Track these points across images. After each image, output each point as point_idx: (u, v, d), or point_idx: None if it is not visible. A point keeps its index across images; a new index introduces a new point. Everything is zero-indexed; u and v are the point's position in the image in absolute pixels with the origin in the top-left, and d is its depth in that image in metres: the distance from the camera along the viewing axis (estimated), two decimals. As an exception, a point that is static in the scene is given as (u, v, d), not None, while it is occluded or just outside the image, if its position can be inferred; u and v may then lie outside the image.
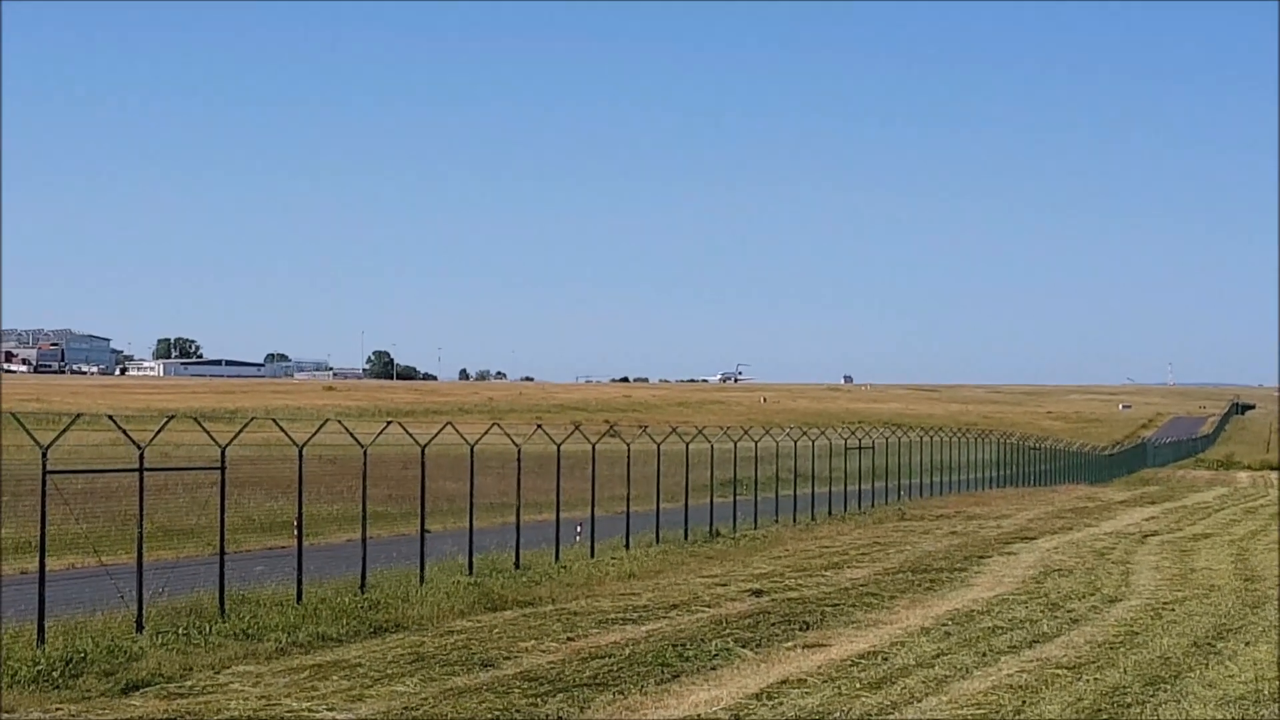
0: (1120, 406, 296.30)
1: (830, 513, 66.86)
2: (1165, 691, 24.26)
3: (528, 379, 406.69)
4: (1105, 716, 22.31)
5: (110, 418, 35.08)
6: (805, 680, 25.06)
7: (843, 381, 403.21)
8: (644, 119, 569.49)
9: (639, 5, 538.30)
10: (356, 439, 37.47)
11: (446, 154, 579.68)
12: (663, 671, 26.12)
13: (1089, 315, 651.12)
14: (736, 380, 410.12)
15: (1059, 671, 26.05)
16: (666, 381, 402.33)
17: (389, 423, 41.51)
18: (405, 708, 22.67)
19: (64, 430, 29.13)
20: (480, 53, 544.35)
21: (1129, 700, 23.49)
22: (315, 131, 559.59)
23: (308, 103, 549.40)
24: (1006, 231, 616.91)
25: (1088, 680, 25.23)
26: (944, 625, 31.85)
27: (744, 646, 28.87)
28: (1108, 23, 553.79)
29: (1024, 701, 23.26)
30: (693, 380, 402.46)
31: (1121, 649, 28.67)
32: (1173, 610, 34.58)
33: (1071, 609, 34.86)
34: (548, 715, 22.28)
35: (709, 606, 34.92)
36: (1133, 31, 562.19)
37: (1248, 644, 29.38)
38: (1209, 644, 29.39)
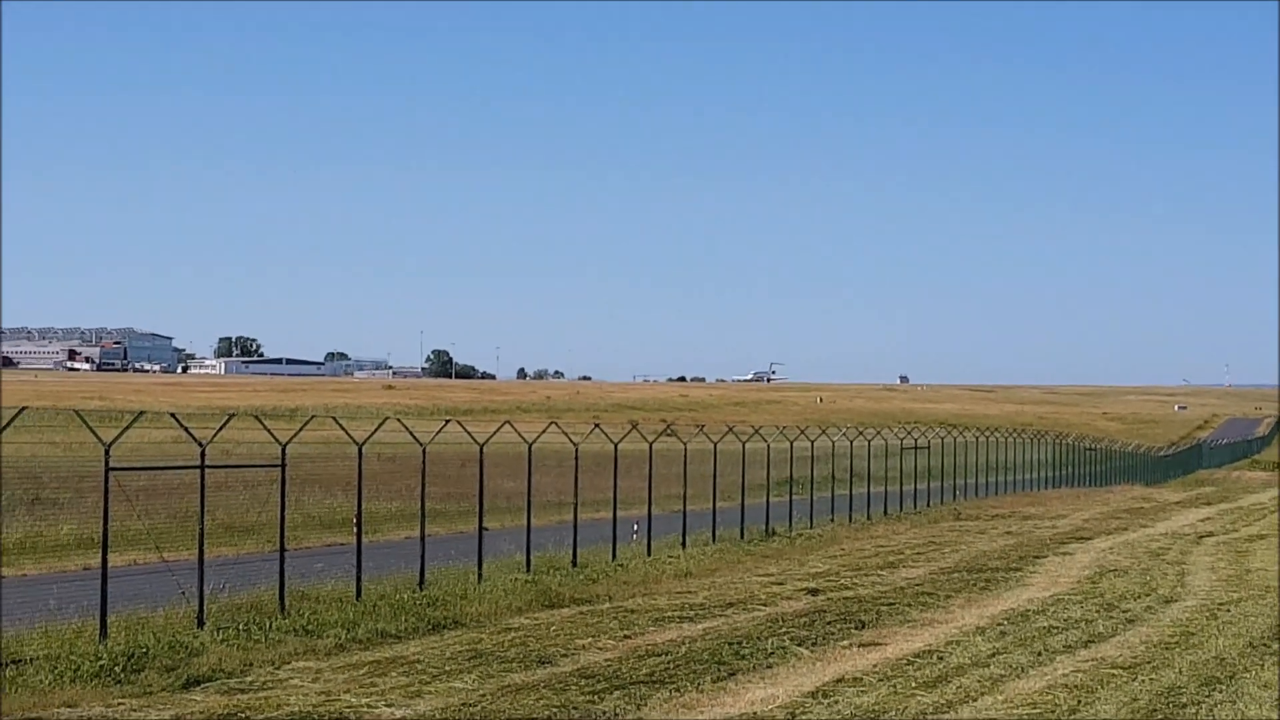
0: (1176, 407, 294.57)
1: (886, 512, 66.68)
2: (1221, 692, 24.14)
3: (585, 378, 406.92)
4: (1161, 717, 22.21)
5: (172, 415, 35.22)
6: (861, 679, 25.01)
7: (899, 382, 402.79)
8: (703, 120, 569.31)
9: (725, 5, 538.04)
10: (415, 437, 37.55)
11: (507, 157, 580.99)
12: (719, 669, 26.10)
13: (1145, 317, 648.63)
14: (769, 380, 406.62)
15: (1114, 671, 25.94)
16: (723, 381, 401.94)
17: (447, 421, 41.61)
18: (463, 704, 22.70)
19: (126, 428, 29.27)
20: (534, 54, 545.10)
21: (1184, 700, 23.38)
22: (379, 136, 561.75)
23: (375, 107, 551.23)
24: (1065, 234, 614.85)
25: (1143, 680, 25.11)
26: (999, 625, 31.75)
27: (800, 645, 28.83)
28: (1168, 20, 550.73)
29: (1079, 701, 23.17)
30: (721, 380, 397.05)
31: (1177, 649, 28.54)
32: (1228, 611, 34.39)
33: (1127, 609, 34.71)
34: (605, 712, 22.29)
35: (765, 605, 34.88)
36: (1176, 31, 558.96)
37: (1304, 645, 29.22)
38: (1264, 644, 29.23)
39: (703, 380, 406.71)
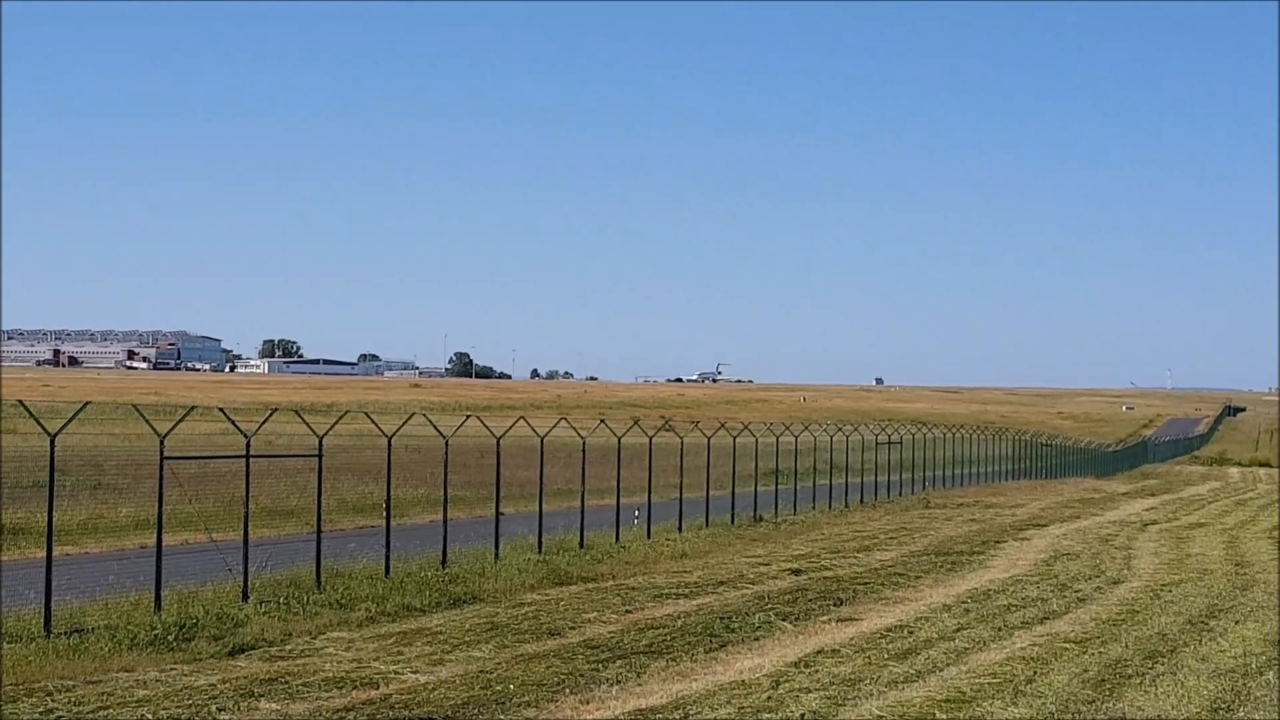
0: (1124, 408, 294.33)
1: (862, 501, 66.63)
2: (1163, 664, 24.12)
3: (592, 378, 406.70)
4: (1109, 686, 22.18)
5: (220, 410, 35.27)
6: (839, 650, 24.99)
7: (875, 383, 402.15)
8: (697, 135, 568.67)
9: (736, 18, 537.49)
10: (439, 430, 37.55)
11: (525, 176, 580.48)
12: (711, 641, 26.09)
13: (1097, 324, 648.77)
14: (714, 380, 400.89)
15: (1067, 645, 25.92)
16: (741, 381, 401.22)
17: (468, 416, 41.63)
18: (481, 671, 22.70)
19: (179, 421, 29.34)
20: (544, 67, 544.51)
21: (1130, 672, 23.36)
22: (412, 158, 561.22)
23: (405, 123, 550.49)
24: (1024, 247, 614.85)
25: (1092, 653, 25.09)
26: (964, 603, 31.74)
27: (784, 620, 28.81)
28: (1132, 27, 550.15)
29: (1035, 672, 23.15)
30: (647, 380, 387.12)
31: (1123, 625, 28.51)
32: (1170, 591, 34.37)
33: (1079, 589, 34.68)
34: (608, 679, 22.27)
35: (753, 584, 34.87)
36: (1129, 38, 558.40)
37: (1237, 622, 29.20)
38: (1202, 622, 29.21)
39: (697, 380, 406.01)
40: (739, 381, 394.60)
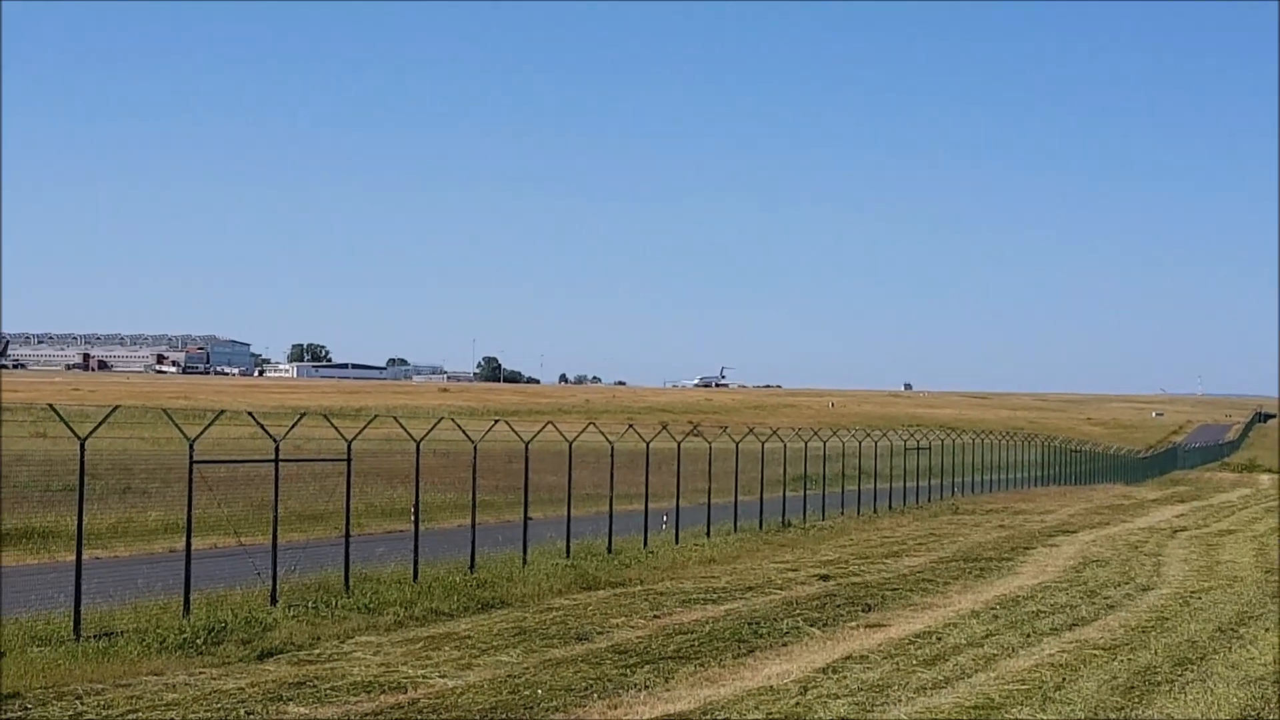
0: (1153, 414, 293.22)
1: (890, 507, 66.54)
2: (1192, 671, 24.03)
3: (620, 383, 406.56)
4: (1138, 693, 22.12)
5: (250, 414, 35.33)
6: (867, 657, 24.95)
7: (903, 389, 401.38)
8: (727, 140, 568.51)
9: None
10: (468, 435, 37.58)
11: (552, 185, 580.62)
12: (739, 646, 26.07)
13: (1127, 332, 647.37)
14: (717, 385, 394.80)
15: (1096, 652, 25.85)
16: (744, 386, 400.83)
17: (496, 421, 41.67)
18: (509, 675, 22.71)
19: (209, 425, 29.39)
20: (575, 73, 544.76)
21: (1159, 679, 23.28)
22: (439, 161, 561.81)
23: (436, 129, 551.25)
24: (1054, 252, 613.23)
25: (1122, 660, 25.02)
26: (992, 609, 31.66)
27: (812, 625, 28.77)
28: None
29: (1064, 679, 23.09)
30: (675, 385, 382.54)
31: (1153, 632, 28.42)
32: (1199, 599, 34.25)
33: (1108, 596, 34.58)
34: (636, 684, 22.27)
35: (781, 589, 34.84)
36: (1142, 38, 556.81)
37: (1267, 630, 29.08)
38: (1232, 629, 29.10)
39: (726, 386, 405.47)
40: (743, 386, 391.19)
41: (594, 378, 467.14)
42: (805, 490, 59.61)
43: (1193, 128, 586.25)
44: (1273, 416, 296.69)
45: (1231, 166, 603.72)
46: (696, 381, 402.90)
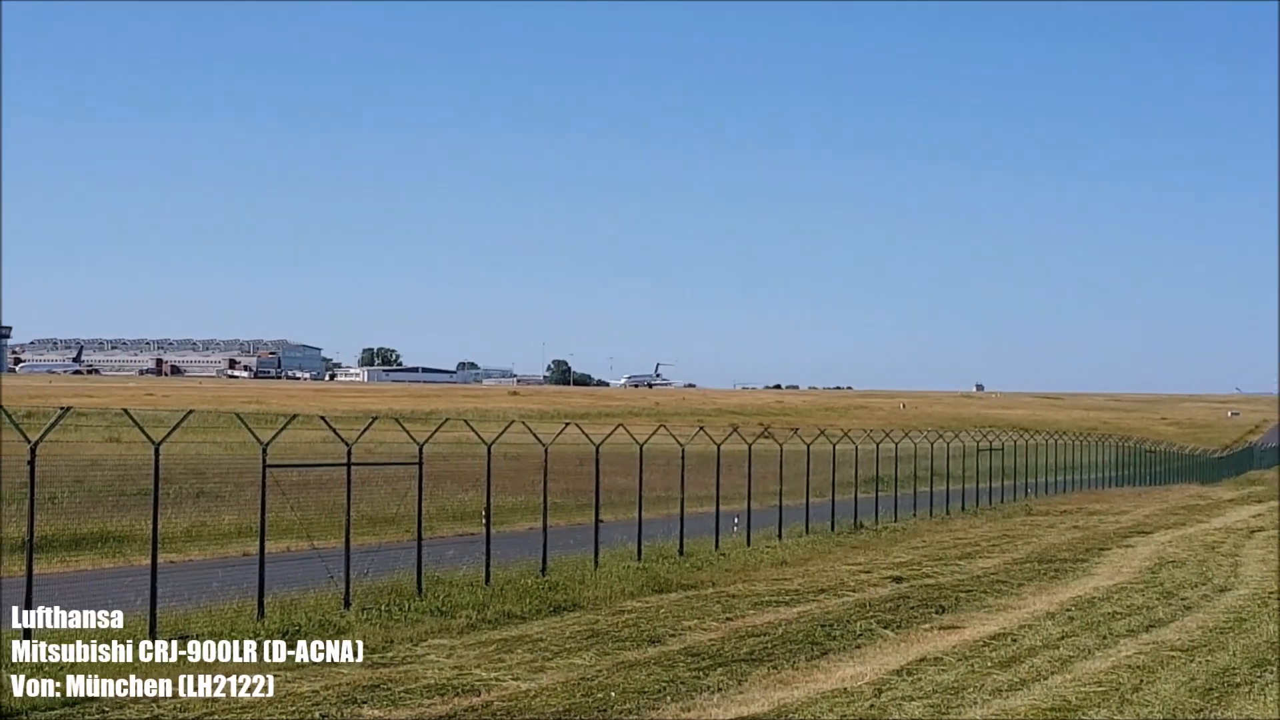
0: (1229, 413, 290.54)
1: (963, 508, 66.26)
2: (1270, 673, 23.84)
3: (690, 385, 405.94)
4: (1216, 694, 21.96)
5: (321, 418, 35.54)
6: (941, 659, 24.87)
7: (975, 389, 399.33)
8: (797, 144, 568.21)
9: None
10: (538, 438, 37.66)
11: (622, 184, 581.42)
12: (812, 649, 26.02)
13: (1201, 330, 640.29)
14: (651, 385, 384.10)
15: (1173, 653, 25.68)
16: (815, 388, 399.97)
17: (567, 424, 41.68)
18: (582, 678, 22.75)
19: (281, 429, 29.54)
20: (646, 77, 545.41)
21: (1238, 680, 23.11)
22: (509, 165, 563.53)
23: (507, 132, 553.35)
24: (1127, 252, 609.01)
25: (1200, 662, 24.85)
26: (1068, 611, 31.48)
27: (885, 627, 28.69)
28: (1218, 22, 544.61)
29: (1142, 680, 22.95)
30: (637, 385, 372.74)
31: (1231, 634, 28.20)
32: (1278, 599, 33.95)
33: (1185, 597, 34.32)
34: (709, 687, 22.27)
35: (854, 591, 34.75)
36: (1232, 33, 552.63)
37: (1348, 631, 28.82)
38: (1312, 630, 28.86)
39: (796, 388, 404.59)
40: (690, 386, 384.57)
41: (658, 375, 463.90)
42: (877, 492, 59.45)
43: (1270, 116, 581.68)
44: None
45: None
46: (624, 381, 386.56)
